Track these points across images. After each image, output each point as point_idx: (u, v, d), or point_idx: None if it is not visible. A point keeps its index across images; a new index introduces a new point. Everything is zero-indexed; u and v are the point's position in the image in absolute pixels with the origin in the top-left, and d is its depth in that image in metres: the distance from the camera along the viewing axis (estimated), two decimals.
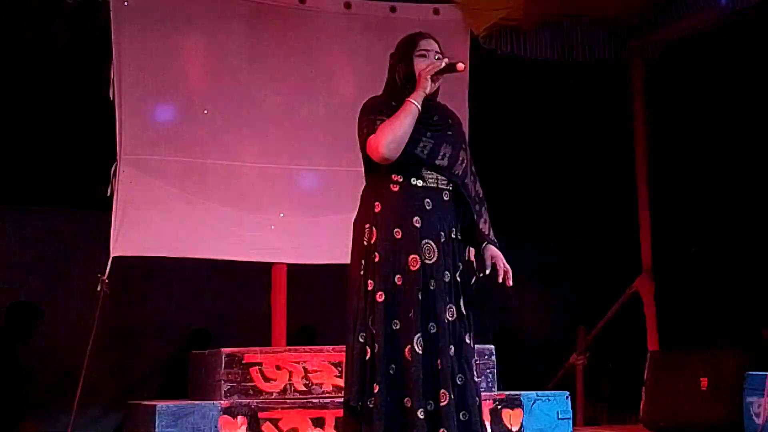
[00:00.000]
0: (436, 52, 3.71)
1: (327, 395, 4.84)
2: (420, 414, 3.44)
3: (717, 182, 9.30)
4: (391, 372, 3.49)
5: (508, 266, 3.67)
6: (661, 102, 7.73)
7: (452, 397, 3.48)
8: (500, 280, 3.65)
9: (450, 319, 3.54)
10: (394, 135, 3.54)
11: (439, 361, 3.49)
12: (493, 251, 3.70)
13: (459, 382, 3.52)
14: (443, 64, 3.63)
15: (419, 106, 3.57)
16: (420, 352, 3.48)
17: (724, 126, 8.34)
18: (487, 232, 3.73)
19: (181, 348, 7.90)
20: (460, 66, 3.61)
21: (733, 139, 8.55)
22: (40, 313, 7.36)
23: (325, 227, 5.73)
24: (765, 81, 7.51)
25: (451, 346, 3.52)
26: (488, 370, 5.04)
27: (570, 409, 5.09)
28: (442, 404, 3.47)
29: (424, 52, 3.69)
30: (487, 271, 3.66)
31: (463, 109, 5.58)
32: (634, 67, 6.77)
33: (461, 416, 3.51)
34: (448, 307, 3.54)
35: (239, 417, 4.62)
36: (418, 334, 3.49)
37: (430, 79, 3.60)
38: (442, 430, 3.45)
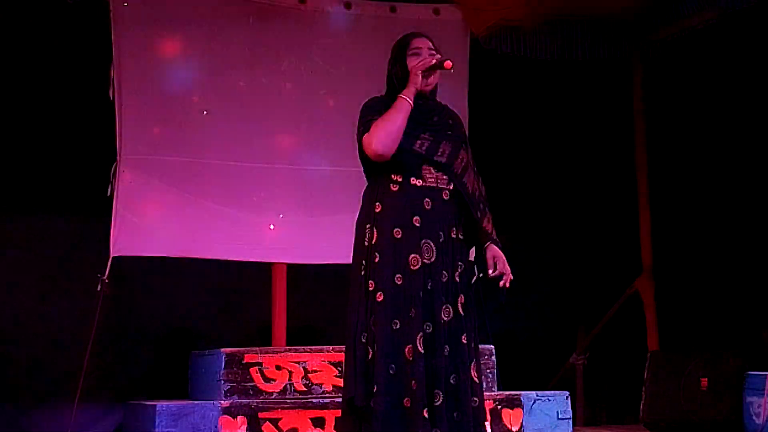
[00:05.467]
0: (429, 49, 3.72)
1: (327, 395, 4.85)
2: (425, 413, 3.44)
3: (717, 182, 9.29)
4: (391, 372, 3.49)
5: (508, 268, 3.66)
6: (661, 102, 7.73)
7: (445, 397, 3.49)
8: (501, 285, 3.64)
9: (446, 319, 3.54)
10: (386, 131, 3.55)
11: (434, 361, 3.50)
12: (495, 251, 3.68)
13: (452, 382, 3.52)
14: (434, 61, 3.64)
15: (411, 102, 3.59)
16: (422, 351, 3.49)
17: (724, 125, 8.34)
18: (489, 231, 3.72)
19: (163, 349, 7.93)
20: (448, 63, 3.63)
21: (733, 138, 8.54)
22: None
23: (325, 227, 5.74)
24: (765, 81, 7.51)
25: (446, 346, 3.53)
26: (488, 370, 5.05)
27: (570, 409, 5.10)
28: (435, 404, 3.47)
29: (416, 50, 3.70)
30: (490, 272, 3.65)
31: (463, 109, 5.59)
32: (634, 67, 6.77)
33: (454, 416, 3.51)
34: (444, 307, 3.55)
35: (239, 417, 4.62)
36: (420, 333, 3.50)
37: (420, 75, 3.62)
38: (435, 430, 3.45)
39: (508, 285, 3.65)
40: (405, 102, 3.58)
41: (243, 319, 7.93)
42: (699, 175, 9.07)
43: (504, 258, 3.67)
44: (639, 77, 6.79)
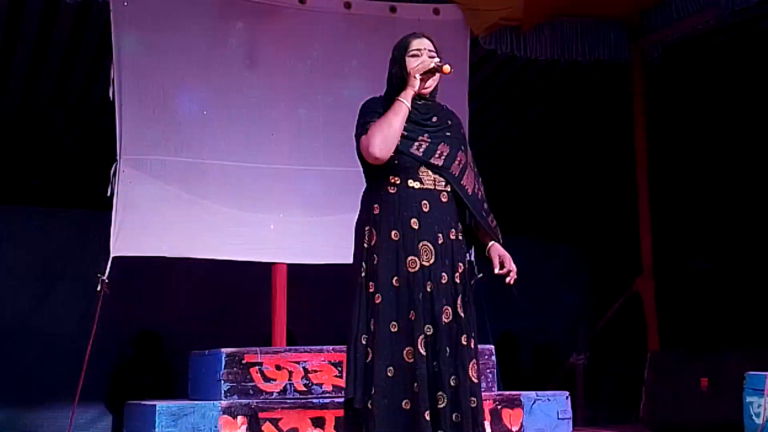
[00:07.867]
0: (429, 51, 3.71)
1: (327, 395, 4.85)
2: (426, 416, 3.44)
3: (718, 183, 9.30)
4: (389, 374, 3.49)
5: (513, 266, 3.68)
6: (661, 102, 7.74)
7: (448, 399, 3.49)
8: (508, 281, 3.65)
9: (446, 320, 3.54)
10: (383, 134, 3.55)
11: (436, 363, 3.50)
12: (500, 250, 3.70)
13: (452, 384, 3.52)
14: (432, 64, 3.64)
15: (408, 104, 3.59)
16: (424, 353, 3.49)
17: (724, 126, 8.35)
18: (493, 227, 3.75)
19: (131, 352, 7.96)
20: (446, 68, 3.62)
21: (733, 139, 8.55)
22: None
23: (325, 227, 5.74)
24: (765, 81, 7.51)
25: (447, 348, 3.52)
26: (488, 370, 5.05)
27: (570, 409, 5.09)
28: (439, 406, 3.48)
29: (416, 51, 3.69)
30: (496, 270, 3.66)
31: (463, 109, 5.59)
32: (634, 67, 6.77)
33: (454, 418, 3.51)
34: (444, 308, 3.55)
35: (239, 417, 4.62)
36: (421, 335, 3.50)
37: (418, 78, 3.62)
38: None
39: (512, 282, 3.66)
40: (402, 105, 3.58)
41: (243, 319, 7.94)
42: (699, 175, 9.08)
43: (509, 256, 3.69)
44: (639, 78, 6.79)
